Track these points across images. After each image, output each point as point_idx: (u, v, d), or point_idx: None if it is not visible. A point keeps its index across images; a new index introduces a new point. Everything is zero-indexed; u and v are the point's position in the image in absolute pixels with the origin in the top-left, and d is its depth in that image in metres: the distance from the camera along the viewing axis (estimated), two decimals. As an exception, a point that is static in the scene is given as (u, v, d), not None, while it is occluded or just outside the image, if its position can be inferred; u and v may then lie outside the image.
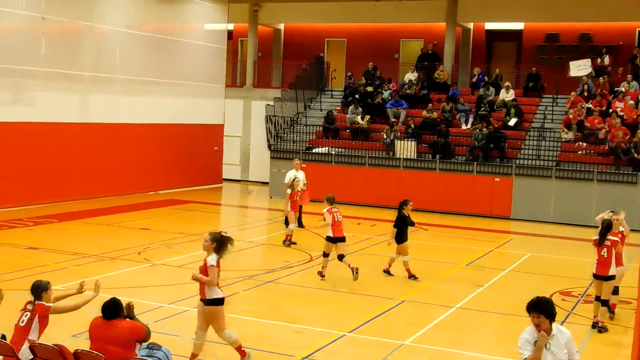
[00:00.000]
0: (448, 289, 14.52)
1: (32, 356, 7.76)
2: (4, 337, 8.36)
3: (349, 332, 11.28)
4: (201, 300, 9.30)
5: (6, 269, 13.99)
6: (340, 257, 14.57)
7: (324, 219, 14.72)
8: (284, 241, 18.12)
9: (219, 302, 9.27)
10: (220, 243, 9.23)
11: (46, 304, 8.03)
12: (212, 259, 9.14)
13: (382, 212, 24.43)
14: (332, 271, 15.65)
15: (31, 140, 22.08)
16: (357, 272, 14.24)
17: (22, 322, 7.92)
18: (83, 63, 24.29)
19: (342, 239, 14.68)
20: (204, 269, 9.16)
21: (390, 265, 15.17)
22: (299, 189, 18.96)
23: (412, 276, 14.87)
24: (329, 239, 14.69)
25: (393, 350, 10.45)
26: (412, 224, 15.05)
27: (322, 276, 14.71)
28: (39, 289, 8.09)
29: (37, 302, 8.02)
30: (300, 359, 9.97)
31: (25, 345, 7.78)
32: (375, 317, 12.20)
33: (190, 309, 12.21)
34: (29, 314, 7.95)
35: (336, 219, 14.62)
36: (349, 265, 14.36)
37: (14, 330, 7.99)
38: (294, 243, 18.22)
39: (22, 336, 7.85)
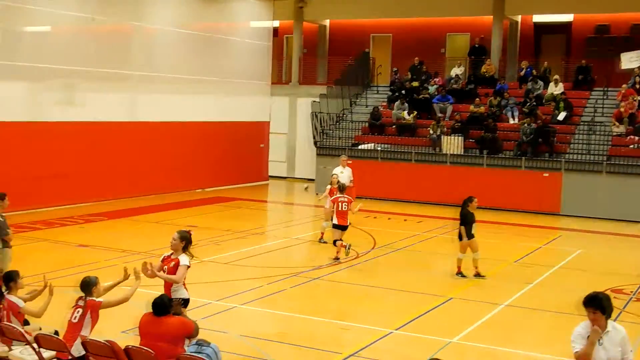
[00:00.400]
0: (496, 286, 14.35)
1: (84, 352, 7.88)
2: (56, 332, 8.52)
3: (396, 330, 11.23)
4: None
5: (58, 265, 14.24)
6: (335, 242, 15.82)
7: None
8: (320, 239, 18.06)
9: (183, 302, 9.13)
10: (188, 241, 9.13)
11: (97, 300, 8.16)
12: (185, 259, 9.00)
13: (428, 208, 24.32)
14: (377, 268, 15.63)
15: (81, 140, 22.46)
16: (338, 259, 15.65)
17: (75, 318, 8.05)
18: (131, 62, 24.62)
19: (345, 228, 15.85)
20: (174, 269, 8.98)
21: (459, 267, 14.80)
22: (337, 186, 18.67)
23: (459, 273, 14.74)
24: (335, 226, 15.83)
25: (441, 348, 10.37)
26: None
27: (348, 247, 15.84)
28: (89, 285, 8.22)
29: (88, 298, 8.14)
30: (347, 356, 9.95)
31: (78, 341, 7.91)
32: (422, 315, 12.12)
33: (238, 305, 12.32)
34: (80, 310, 8.08)
35: (340, 208, 15.66)
36: (342, 244, 15.68)
37: (66, 327, 8.13)
38: (340, 240, 18.15)
39: (74, 332, 7.99)
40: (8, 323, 8.39)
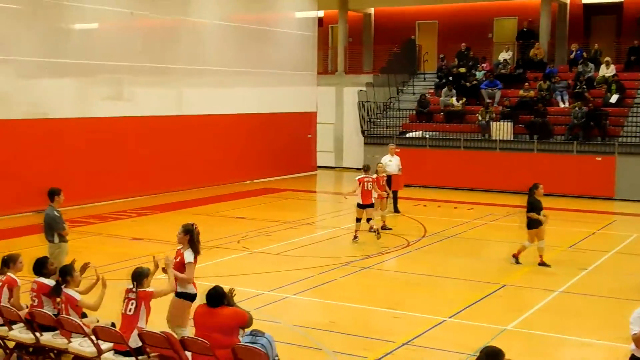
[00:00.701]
0: (550, 272, 14.14)
1: (140, 343, 7.99)
2: (113, 325, 8.66)
3: (449, 318, 11.16)
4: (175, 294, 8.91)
5: (113, 259, 14.49)
6: (368, 220, 16.56)
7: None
8: (370, 229, 18.00)
9: (190, 297, 8.89)
10: (193, 235, 8.96)
11: (148, 290, 8.23)
12: (189, 255, 8.83)
13: (478, 195, 24.08)
14: (428, 256, 15.55)
15: (131, 134, 22.79)
16: (378, 233, 16.43)
17: (130, 310, 8.14)
18: (178, 57, 24.85)
19: (370, 205, 16.52)
20: (179, 264, 8.83)
21: (519, 252, 14.55)
22: (383, 175, 18.53)
23: (516, 259, 14.47)
24: (358, 205, 16.50)
25: (495, 335, 10.27)
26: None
27: (356, 238, 16.66)
28: (141, 276, 8.27)
29: (139, 289, 8.22)
30: (399, 344, 9.93)
31: (134, 333, 8.01)
32: (475, 302, 12.03)
33: (290, 296, 12.38)
34: (134, 302, 8.17)
35: (365, 188, 16.34)
36: (372, 227, 16.51)
37: (121, 319, 8.24)
38: (390, 229, 18.15)
39: (130, 324, 8.08)
40: (67, 316, 8.55)
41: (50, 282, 9.03)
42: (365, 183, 16.39)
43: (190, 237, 8.97)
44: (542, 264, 14.41)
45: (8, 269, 9.40)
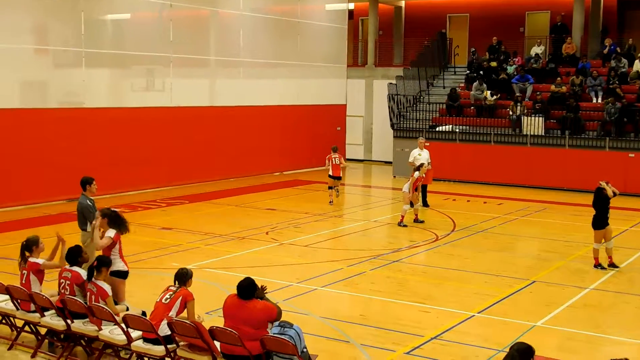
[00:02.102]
0: (582, 269, 13.99)
1: (169, 332, 8.04)
2: (144, 313, 8.73)
3: (478, 313, 11.09)
4: None
5: (143, 248, 14.60)
6: (330, 188, 20.83)
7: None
8: (399, 222, 17.96)
9: (119, 274, 9.47)
10: (110, 218, 9.54)
11: (190, 292, 8.27)
12: (111, 232, 9.47)
13: (508, 190, 23.91)
14: (457, 251, 15.46)
15: (162, 125, 22.91)
16: (331, 203, 20.57)
17: (166, 299, 8.20)
18: (209, 48, 24.95)
19: (337, 178, 20.89)
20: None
21: (597, 258, 14.05)
22: (423, 176, 18.49)
23: (598, 265, 13.94)
24: (329, 176, 20.80)
25: (525, 331, 10.20)
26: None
27: (331, 203, 20.65)
28: (185, 277, 8.40)
29: (181, 286, 8.33)
30: (428, 338, 9.89)
31: (164, 322, 8.06)
32: (505, 298, 11.94)
33: (319, 288, 12.38)
34: (172, 294, 8.23)
35: (333, 162, 20.61)
36: (331, 195, 20.76)
37: (154, 307, 8.30)
38: (422, 222, 18.10)
39: (163, 312, 8.12)
40: (97, 303, 8.63)
41: (84, 272, 9.11)
42: (333, 159, 20.60)
43: (109, 219, 9.55)
44: (612, 265, 13.96)
45: (31, 253, 9.53)
